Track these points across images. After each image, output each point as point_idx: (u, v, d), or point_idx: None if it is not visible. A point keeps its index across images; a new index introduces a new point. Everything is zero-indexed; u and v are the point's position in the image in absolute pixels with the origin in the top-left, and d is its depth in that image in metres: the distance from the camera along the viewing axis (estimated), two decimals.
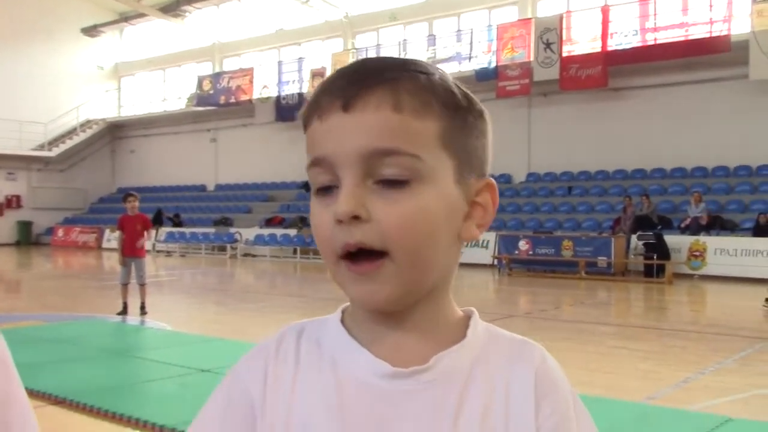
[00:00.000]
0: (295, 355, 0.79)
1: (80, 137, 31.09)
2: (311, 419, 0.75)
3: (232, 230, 23.50)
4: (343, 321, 0.81)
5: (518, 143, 20.93)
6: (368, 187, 0.71)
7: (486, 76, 20.36)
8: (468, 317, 0.82)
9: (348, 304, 0.82)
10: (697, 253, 15.34)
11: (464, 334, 0.79)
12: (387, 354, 0.76)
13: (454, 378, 0.76)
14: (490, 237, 17.99)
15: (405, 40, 23.53)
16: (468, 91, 0.79)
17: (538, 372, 0.79)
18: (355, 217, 0.70)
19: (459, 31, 22.29)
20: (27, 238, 29.31)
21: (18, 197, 29.68)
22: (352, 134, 0.71)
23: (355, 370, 0.76)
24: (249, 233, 22.94)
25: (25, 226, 29.36)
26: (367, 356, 0.76)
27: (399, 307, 0.75)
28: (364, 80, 0.72)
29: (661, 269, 14.71)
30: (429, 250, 0.73)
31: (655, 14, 18.28)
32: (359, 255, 0.72)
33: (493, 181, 0.81)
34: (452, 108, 0.75)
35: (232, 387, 0.80)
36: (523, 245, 16.61)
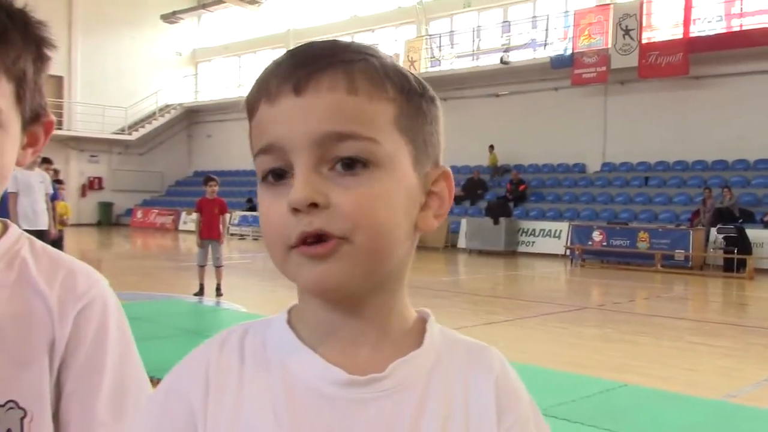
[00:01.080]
0: (240, 359, 0.73)
1: (159, 122, 31.97)
2: (258, 427, 0.70)
3: None
4: (289, 322, 0.76)
5: (593, 132, 20.51)
6: (323, 174, 0.67)
7: (561, 64, 20.00)
8: (424, 320, 0.77)
9: (295, 303, 0.77)
10: None
11: (421, 339, 0.75)
12: (338, 357, 0.72)
13: (411, 386, 0.72)
14: (563, 227, 17.73)
15: (479, 26, 23.30)
16: (422, 80, 0.75)
17: (499, 381, 0.76)
18: (313, 204, 0.66)
19: (534, 17, 21.95)
20: (108, 219, 30.34)
21: (100, 179, 30.73)
22: (304, 118, 0.67)
23: (305, 376, 0.71)
24: None
25: (106, 207, 30.40)
26: (318, 361, 0.72)
27: (351, 291, 0.70)
28: (315, 62, 0.68)
29: (741, 264, 14.22)
30: (388, 235, 0.68)
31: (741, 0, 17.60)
32: (314, 241, 0.67)
33: (449, 169, 0.76)
34: (406, 92, 0.71)
35: (169, 395, 0.74)
36: (596, 236, 16.29)
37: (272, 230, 0.70)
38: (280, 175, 0.69)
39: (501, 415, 0.74)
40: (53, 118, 0.97)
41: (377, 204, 0.67)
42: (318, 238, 0.67)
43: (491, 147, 21.58)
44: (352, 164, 0.67)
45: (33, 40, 0.91)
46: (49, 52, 0.94)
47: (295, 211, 0.66)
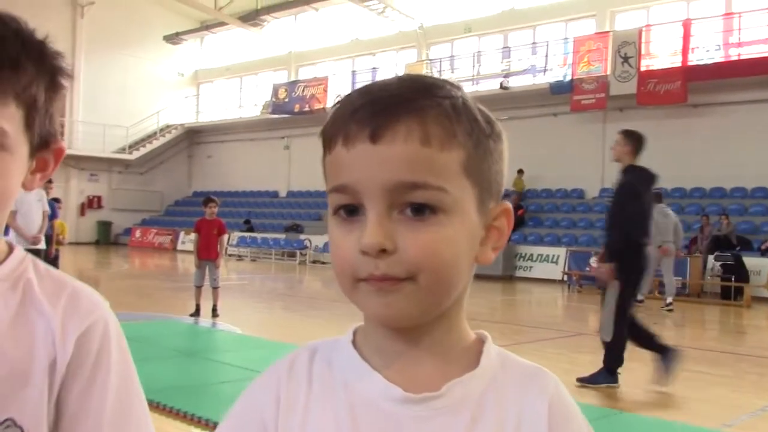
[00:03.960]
0: (308, 377, 0.79)
1: (159, 141, 32.07)
2: None
3: (303, 237, 23.79)
4: (354, 342, 0.80)
5: (592, 158, 20.57)
6: (393, 217, 0.72)
7: (561, 90, 20.12)
8: (481, 341, 0.82)
9: (360, 324, 0.82)
10: None
11: (477, 360, 0.79)
12: (399, 378, 0.76)
13: (465, 406, 0.76)
14: (561, 252, 17.73)
15: (479, 51, 23.47)
16: (489, 113, 0.79)
17: (552, 402, 0.79)
18: (382, 250, 0.71)
19: (534, 43, 22.11)
20: (106, 238, 30.32)
21: (99, 198, 30.76)
22: (379, 166, 0.71)
23: (367, 393, 0.76)
24: (319, 240, 23.17)
25: (104, 226, 30.40)
26: (378, 379, 0.76)
27: (415, 323, 0.75)
28: (392, 109, 0.72)
29: (739, 292, 14.21)
30: (450, 275, 0.73)
31: (739, 29, 17.75)
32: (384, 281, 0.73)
33: (510, 205, 0.81)
34: (475, 137, 0.75)
35: (245, 409, 0.80)
36: (594, 262, 16.28)
37: (342, 263, 0.74)
38: (351, 211, 0.74)
39: None
40: (64, 145, 1.00)
41: (442, 248, 0.72)
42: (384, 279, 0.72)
43: (520, 171, 21.52)
44: (421, 209, 0.71)
45: (48, 69, 0.94)
46: (63, 81, 0.97)
47: (365, 253, 0.71)
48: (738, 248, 15.52)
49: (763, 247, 15.58)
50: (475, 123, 0.75)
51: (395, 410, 0.75)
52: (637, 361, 7.64)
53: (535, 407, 0.78)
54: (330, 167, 0.76)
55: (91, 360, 0.93)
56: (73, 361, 0.92)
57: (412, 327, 0.76)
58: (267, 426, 0.77)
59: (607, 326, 6.13)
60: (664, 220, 12.83)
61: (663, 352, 6.13)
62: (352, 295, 0.75)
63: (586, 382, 6.15)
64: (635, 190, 6.27)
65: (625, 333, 6.09)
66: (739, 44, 17.78)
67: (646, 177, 6.48)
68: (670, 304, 12.79)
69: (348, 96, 0.76)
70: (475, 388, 0.77)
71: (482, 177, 0.76)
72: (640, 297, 12.43)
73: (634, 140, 6.63)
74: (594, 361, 7.58)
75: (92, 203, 30.53)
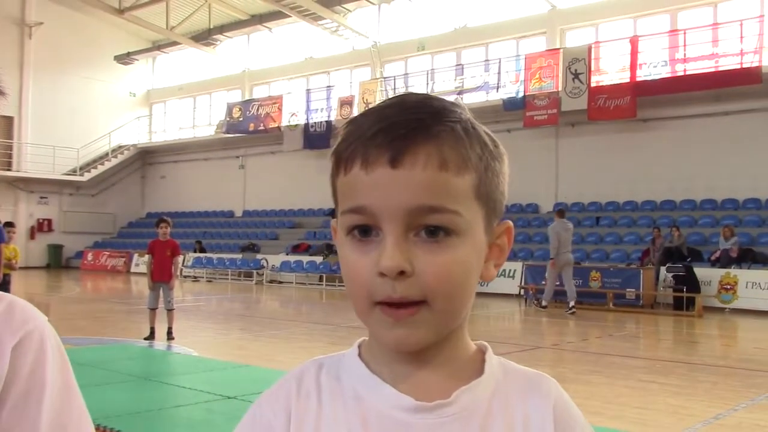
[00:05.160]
0: (317, 391, 0.80)
1: (111, 162, 31.56)
2: None
3: (259, 256, 23.61)
4: (360, 356, 0.82)
5: (546, 173, 20.87)
6: (410, 239, 0.74)
7: (514, 106, 20.39)
8: (482, 351, 0.84)
9: (364, 338, 0.84)
10: (728, 287, 15.12)
11: (481, 369, 0.82)
12: (407, 387, 0.78)
13: (474, 412, 0.78)
14: (517, 267, 17.89)
15: (433, 69, 23.67)
16: (492, 135, 0.82)
17: (557, 406, 0.82)
18: (401, 273, 0.73)
19: (487, 60, 22.38)
20: (57, 262, 29.68)
21: (49, 221, 30.12)
22: (399, 191, 0.73)
23: (379, 404, 0.78)
24: (275, 260, 23.01)
25: (55, 250, 29.75)
26: (390, 390, 0.78)
27: (428, 346, 0.78)
28: (411, 135, 0.74)
29: (691, 302, 14.50)
30: (463, 298, 0.76)
31: (684, 45, 18.21)
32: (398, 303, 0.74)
33: (511, 224, 0.84)
34: (485, 161, 0.78)
35: (255, 424, 0.81)
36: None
37: (358, 285, 0.76)
38: (365, 231, 0.75)
39: None
40: None
41: (456, 269, 0.74)
42: (401, 302, 0.74)
43: None
44: (435, 231, 0.74)
45: None
46: None
47: (383, 275, 0.73)
48: (689, 259, 15.85)
49: (712, 257, 15.94)
50: (484, 146, 0.78)
51: (407, 419, 0.77)
52: (595, 374, 7.74)
53: (540, 411, 0.81)
54: (345, 188, 0.77)
55: (26, 372, 0.90)
56: (9, 374, 0.89)
57: (423, 348, 0.78)
58: None
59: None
60: (566, 234, 14.43)
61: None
62: (367, 318, 0.77)
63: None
64: None
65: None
66: (685, 60, 18.25)
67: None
68: (573, 307, 14.12)
69: (361, 118, 0.78)
70: (482, 394, 0.80)
71: (490, 198, 0.79)
72: (544, 303, 14.87)
73: None
74: (554, 375, 7.64)
75: (42, 226, 29.88)
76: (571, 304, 14.14)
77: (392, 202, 0.73)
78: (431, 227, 0.73)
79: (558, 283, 14.50)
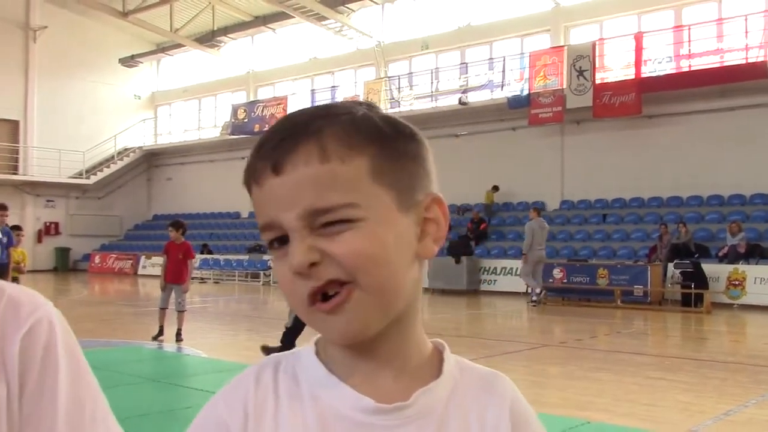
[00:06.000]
0: (274, 390, 0.79)
1: (117, 165, 31.64)
2: None
3: (266, 257, 23.62)
4: (317, 354, 0.81)
5: (551, 171, 20.83)
6: (315, 234, 0.73)
7: (519, 104, 20.35)
8: (439, 350, 0.83)
9: (319, 336, 0.82)
10: (736, 282, 15.07)
11: (439, 369, 0.81)
12: (364, 387, 0.77)
13: (431, 413, 0.78)
14: None
15: (437, 68, 23.66)
16: (396, 118, 0.79)
17: (513, 407, 0.82)
18: (312, 265, 0.72)
19: (491, 59, 22.36)
20: (65, 265, 29.75)
21: (56, 224, 30.20)
22: (286, 198, 0.73)
23: (336, 404, 0.77)
24: None
25: (62, 253, 29.83)
26: (348, 391, 0.77)
27: (373, 334, 0.76)
28: (288, 138, 0.73)
29: (699, 299, 14.45)
30: (389, 274, 0.74)
31: (689, 41, 18.17)
32: (328, 292, 0.73)
33: (438, 194, 0.80)
34: (378, 141, 0.75)
35: (208, 422, 0.79)
36: (557, 273, 16.45)
37: (287, 292, 0.76)
38: (283, 240, 0.75)
39: None
40: None
41: (364, 245, 0.72)
42: (327, 294, 0.73)
43: (495, 188, 21.49)
44: (333, 224, 0.72)
45: None
46: None
47: (299, 274, 0.73)
48: (696, 255, 15.80)
49: (720, 253, 15.88)
50: (375, 128, 0.76)
51: (366, 420, 0.76)
52: (604, 371, 7.73)
53: (496, 412, 0.80)
54: (254, 208, 0.77)
55: (38, 359, 0.91)
56: (21, 364, 0.89)
57: (367, 339, 0.76)
58: None
59: (291, 316, 7.84)
60: (541, 232, 15.42)
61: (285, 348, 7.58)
62: (309, 321, 0.76)
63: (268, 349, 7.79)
64: None
65: (300, 324, 7.69)
66: (690, 56, 18.20)
67: None
68: (535, 301, 15.41)
69: (259, 139, 0.78)
70: (440, 395, 0.79)
71: (397, 178, 0.76)
72: (534, 298, 15.46)
73: None
74: (562, 372, 7.65)
75: (49, 230, 29.96)
76: (534, 298, 15.37)
77: (283, 209, 0.73)
78: (328, 223, 0.72)
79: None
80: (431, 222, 0.79)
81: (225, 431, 0.77)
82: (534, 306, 15.16)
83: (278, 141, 0.74)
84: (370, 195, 0.73)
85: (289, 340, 7.86)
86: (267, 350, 7.83)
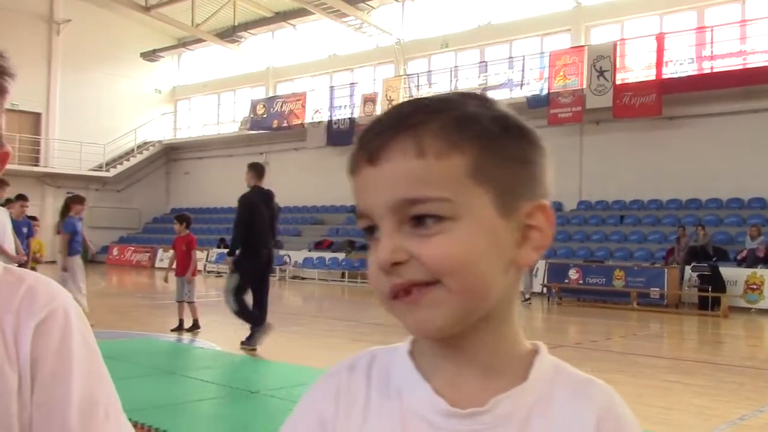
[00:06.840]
0: (366, 384, 0.80)
1: (137, 158, 31.87)
2: None
3: (282, 252, 23.69)
4: (411, 352, 0.81)
5: (569, 171, 20.72)
6: (404, 231, 0.72)
7: (538, 104, 20.26)
8: (535, 352, 0.80)
9: None
10: (755, 287, 14.93)
11: (527, 372, 0.78)
12: (446, 389, 0.77)
13: (510, 421, 0.75)
14: (540, 265, 17.78)
15: (456, 66, 23.61)
16: (512, 118, 0.77)
17: (601, 415, 0.76)
18: (396, 264, 0.72)
19: (511, 58, 22.27)
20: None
21: None
22: (379, 188, 0.73)
23: (416, 405, 0.77)
24: (298, 256, 23.09)
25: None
26: (426, 391, 0.77)
27: (453, 332, 0.74)
28: (388, 130, 0.74)
29: (716, 302, 14.34)
30: (476, 277, 0.72)
31: (712, 42, 18.00)
32: (412, 288, 0.73)
33: (545, 202, 0.77)
34: (481, 140, 0.73)
35: (305, 405, 0.82)
36: (573, 274, 16.39)
37: (372, 283, 0.76)
38: (372, 231, 0.76)
39: None
40: (9, 149, 0.97)
41: (454, 250, 0.71)
42: (409, 289, 0.73)
43: None
44: (423, 220, 0.72)
45: None
46: (7, 84, 0.93)
47: (383, 270, 0.73)
48: (714, 259, 15.67)
49: (739, 257, 15.75)
50: (483, 128, 0.74)
51: (441, 423, 0.75)
52: (619, 373, 7.69)
53: (581, 419, 0.76)
54: (353, 195, 0.78)
55: (53, 349, 0.91)
56: (34, 353, 0.90)
57: (451, 336, 0.75)
58: (326, 421, 0.79)
59: (230, 302, 8.25)
60: None
61: (256, 323, 8.30)
62: (390, 313, 0.76)
63: (246, 344, 8.24)
64: (251, 202, 8.46)
65: (244, 301, 8.31)
66: (712, 57, 18.04)
67: (263, 194, 8.77)
68: (528, 299, 15.56)
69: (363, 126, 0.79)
70: (523, 402, 0.76)
71: (498, 179, 0.74)
72: (527, 296, 15.68)
73: (255, 170, 9.07)
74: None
75: None
76: (527, 295, 15.55)
77: (377, 200, 0.73)
78: (418, 216, 0.72)
79: None
80: (534, 229, 0.76)
81: (319, 414, 0.80)
82: (529, 304, 15.24)
83: (378, 132, 0.74)
84: (466, 194, 0.72)
85: (249, 318, 8.26)
86: (246, 345, 8.19)
